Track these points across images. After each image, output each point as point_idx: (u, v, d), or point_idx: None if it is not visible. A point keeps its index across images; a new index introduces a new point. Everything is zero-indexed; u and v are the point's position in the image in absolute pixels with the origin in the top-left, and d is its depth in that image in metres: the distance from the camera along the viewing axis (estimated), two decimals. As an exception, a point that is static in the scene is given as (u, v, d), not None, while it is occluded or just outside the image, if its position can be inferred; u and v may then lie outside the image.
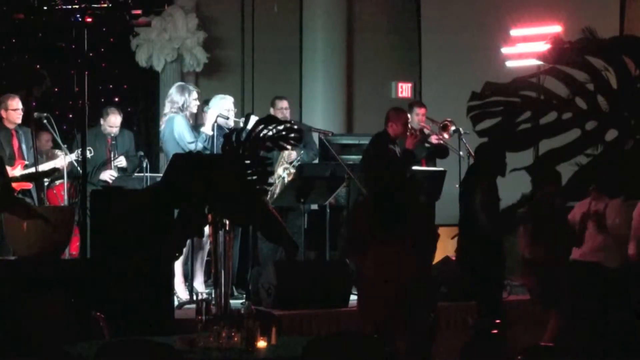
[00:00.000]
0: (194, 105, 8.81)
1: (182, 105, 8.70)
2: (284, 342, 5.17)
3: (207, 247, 8.29)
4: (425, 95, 12.66)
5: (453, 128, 10.18)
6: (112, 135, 9.45)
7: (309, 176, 9.14)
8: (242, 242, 9.01)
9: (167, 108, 8.80)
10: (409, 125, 9.46)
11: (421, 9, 12.91)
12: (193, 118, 9.09)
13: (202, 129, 8.77)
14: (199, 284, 8.59)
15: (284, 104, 9.83)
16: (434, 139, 10.24)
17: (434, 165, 10.31)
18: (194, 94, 8.85)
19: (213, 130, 8.74)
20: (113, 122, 9.47)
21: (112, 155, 9.41)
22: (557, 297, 7.48)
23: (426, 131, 10.38)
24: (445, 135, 10.24)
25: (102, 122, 9.50)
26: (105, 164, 9.37)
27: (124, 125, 9.85)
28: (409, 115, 10.05)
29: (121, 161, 9.43)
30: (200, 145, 8.61)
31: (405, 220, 6.02)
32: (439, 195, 9.84)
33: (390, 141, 9.20)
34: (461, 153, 10.20)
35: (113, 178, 9.31)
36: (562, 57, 3.32)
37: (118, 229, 7.07)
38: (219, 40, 12.36)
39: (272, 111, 9.65)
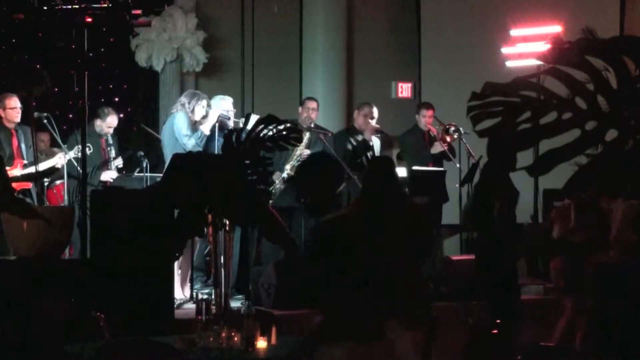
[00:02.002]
0: (199, 111, 8.86)
1: (188, 104, 8.80)
2: (284, 342, 5.17)
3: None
4: (425, 95, 12.65)
5: (453, 129, 10.19)
6: (108, 135, 9.46)
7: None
8: (242, 242, 9.01)
9: (173, 108, 9.06)
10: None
11: (421, 9, 12.90)
12: (196, 125, 9.11)
13: (201, 127, 8.80)
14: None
15: (313, 104, 9.93)
16: (438, 147, 10.23)
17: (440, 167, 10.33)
18: (204, 102, 8.91)
19: (213, 131, 8.76)
20: (112, 122, 9.48)
21: (109, 156, 9.41)
22: (579, 285, 7.41)
23: (432, 134, 10.39)
24: (448, 139, 10.25)
25: (98, 122, 9.48)
26: (103, 165, 9.37)
27: (123, 125, 9.87)
28: (416, 117, 10.29)
29: (119, 162, 9.44)
30: (193, 142, 8.64)
31: (399, 220, 6.01)
32: (446, 196, 9.90)
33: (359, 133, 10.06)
34: (457, 165, 10.20)
35: (114, 179, 9.33)
36: (562, 57, 3.32)
37: (118, 229, 7.07)
38: (218, 40, 12.36)
39: (299, 110, 9.76)
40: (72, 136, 9.21)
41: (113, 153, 9.44)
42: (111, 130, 9.48)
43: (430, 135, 10.41)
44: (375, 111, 10.13)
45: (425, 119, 10.43)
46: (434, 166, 10.21)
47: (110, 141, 9.46)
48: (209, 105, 9.26)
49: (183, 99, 8.95)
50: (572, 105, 3.28)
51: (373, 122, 10.04)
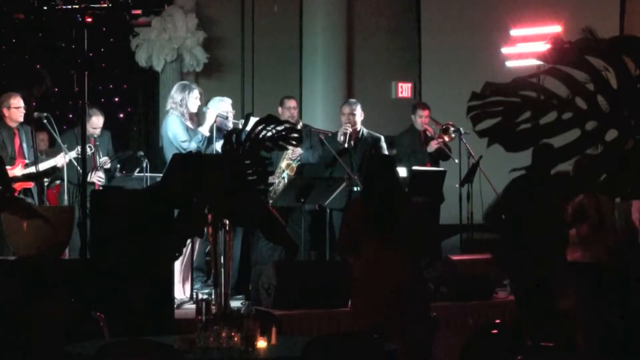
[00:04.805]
0: (193, 103, 8.82)
1: (180, 101, 8.75)
2: (284, 342, 5.17)
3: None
4: (425, 95, 12.66)
5: (453, 129, 10.18)
6: (95, 136, 9.42)
7: (309, 176, 9.15)
8: (243, 242, 9.01)
9: (167, 105, 8.95)
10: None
11: (421, 9, 12.92)
12: (194, 118, 9.09)
13: (200, 129, 8.80)
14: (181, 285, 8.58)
15: (292, 103, 9.90)
16: (434, 144, 10.20)
17: (437, 167, 10.31)
18: (195, 93, 8.88)
19: (211, 132, 8.76)
20: (96, 123, 9.41)
21: (97, 157, 9.35)
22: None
23: (429, 134, 10.37)
24: (446, 138, 10.24)
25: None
26: (92, 167, 9.31)
27: (123, 125, 9.84)
28: (412, 117, 10.24)
29: (107, 163, 9.37)
30: (194, 145, 8.63)
31: (398, 219, 6.01)
32: (442, 197, 9.86)
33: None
34: (456, 161, 10.18)
35: (102, 180, 9.26)
36: (562, 57, 3.32)
37: (118, 229, 7.07)
38: (218, 40, 12.36)
39: (280, 110, 9.71)
40: (66, 136, 9.15)
41: (100, 154, 9.38)
42: (97, 131, 9.41)
43: (426, 135, 10.38)
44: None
45: (421, 119, 10.40)
46: (431, 166, 10.18)
47: (97, 142, 9.41)
48: (201, 98, 9.23)
49: (175, 96, 8.85)
50: (572, 105, 3.28)
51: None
